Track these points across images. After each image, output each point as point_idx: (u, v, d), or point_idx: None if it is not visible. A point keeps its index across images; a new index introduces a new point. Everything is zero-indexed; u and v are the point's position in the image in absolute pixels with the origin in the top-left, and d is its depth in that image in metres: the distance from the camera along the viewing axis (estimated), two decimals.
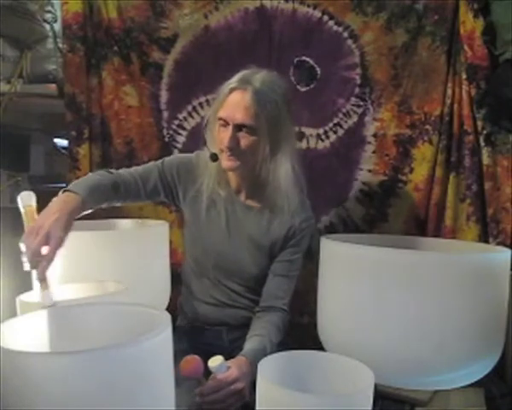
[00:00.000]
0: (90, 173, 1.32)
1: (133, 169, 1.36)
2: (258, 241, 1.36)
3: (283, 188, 1.31)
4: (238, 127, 1.23)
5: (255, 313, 1.35)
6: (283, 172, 1.30)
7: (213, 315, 1.41)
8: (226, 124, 1.24)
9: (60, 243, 0.98)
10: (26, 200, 1.09)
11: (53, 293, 0.94)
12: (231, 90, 1.24)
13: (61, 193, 1.14)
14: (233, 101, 1.23)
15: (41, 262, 0.94)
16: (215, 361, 1.06)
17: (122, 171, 1.34)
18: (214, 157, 1.29)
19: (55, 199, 1.11)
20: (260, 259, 1.37)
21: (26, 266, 0.96)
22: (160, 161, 1.39)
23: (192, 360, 1.04)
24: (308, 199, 1.42)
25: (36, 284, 0.96)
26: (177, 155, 1.53)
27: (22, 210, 1.08)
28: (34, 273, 0.96)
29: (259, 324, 1.29)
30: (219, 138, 1.27)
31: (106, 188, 1.24)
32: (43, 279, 0.94)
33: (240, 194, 1.39)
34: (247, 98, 1.21)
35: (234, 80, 1.25)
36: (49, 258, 0.95)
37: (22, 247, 0.96)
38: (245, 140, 1.24)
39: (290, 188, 1.33)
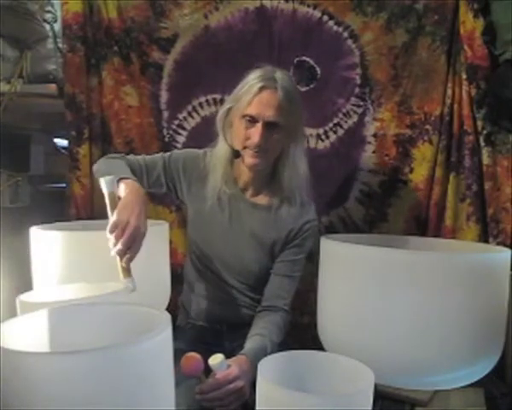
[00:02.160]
0: (109, 159, 1.35)
1: (141, 157, 1.41)
2: (260, 238, 1.37)
3: (294, 183, 1.35)
4: (267, 125, 1.25)
5: (257, 312, 1.35)
6: (296, 168, 1.34)
7: (214, 312, 1.41)
8: (254, 121, 1.26)
9: (144, 237, 1.09)
10: (110, 186, 1.16)
11: (135, 280, 1.06)
12: (261, 89, 1.25)
13: (122, 184, 1.16)
14: (264, 99, 1.25)
15: (127, 254, 1.06)
16: (215, 359, 1.06)
17: (130, 157, 1.39)
18: (236, 154, 1.34)
19: (128, 191, 1.15)
20: (261, 256, 1.37)
21: (113, 253, 1.07)
22: (169, 153, 1.42)
23: (192, 358, 1.04)
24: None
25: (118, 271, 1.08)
26: (185, 150, 1.51)
27: (106, 194, 1.15)
28: (118, 261, 1.08)
29: (261, 323, 1.30)
30: (244, 135, 1.28)
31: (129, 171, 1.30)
32: (127, 268, 1.07)
33: (246, 191, 1.40)
34: (279, 97, 1.25)
35: (259, 79, 1.26)
36: (136, 251, 1.07)
37: (109, 236, 1.07)
38: (272, 138, 1.27)
39: (301, 183, 1.36)
